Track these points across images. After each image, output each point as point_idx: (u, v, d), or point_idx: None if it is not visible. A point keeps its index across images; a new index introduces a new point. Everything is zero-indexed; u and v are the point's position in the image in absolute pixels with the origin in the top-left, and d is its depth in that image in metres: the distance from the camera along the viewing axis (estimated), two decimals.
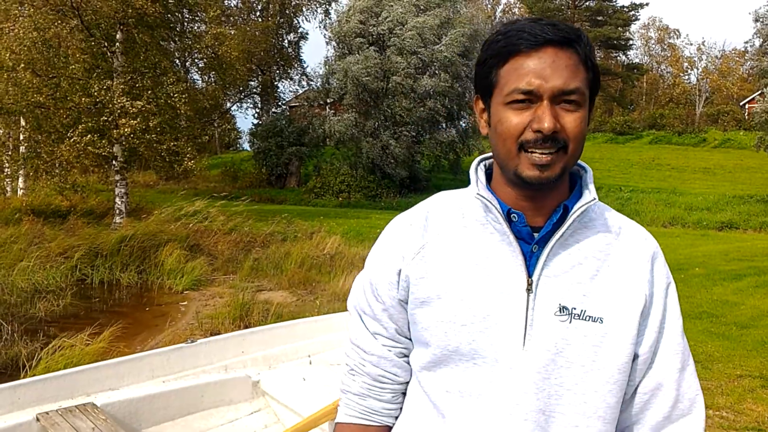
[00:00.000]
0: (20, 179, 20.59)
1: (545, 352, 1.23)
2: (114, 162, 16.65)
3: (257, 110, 36.71)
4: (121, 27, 16.33)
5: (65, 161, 15.85)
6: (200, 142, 21.15)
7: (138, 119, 15.44)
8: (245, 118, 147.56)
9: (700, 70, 62.08)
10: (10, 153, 18.59)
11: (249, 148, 37.80)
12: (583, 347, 1.23)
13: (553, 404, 1.24)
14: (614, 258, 1.29)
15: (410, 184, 28.05)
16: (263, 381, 3.73)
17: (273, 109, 36.29)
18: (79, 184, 17.04)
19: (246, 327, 7.49)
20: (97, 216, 16.72)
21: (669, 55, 66.35)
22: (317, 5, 34.91)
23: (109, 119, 15.65)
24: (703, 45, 75.57)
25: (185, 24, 19.37)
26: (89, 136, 15.30)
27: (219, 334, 5.47)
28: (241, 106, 37.03)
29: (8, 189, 21.15)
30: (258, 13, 35.42)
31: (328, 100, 29.85)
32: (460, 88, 28.18)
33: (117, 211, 16.59)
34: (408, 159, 27.07)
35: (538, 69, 1.19)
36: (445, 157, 29.39)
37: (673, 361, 1.31)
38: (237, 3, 35.27)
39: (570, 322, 1.23)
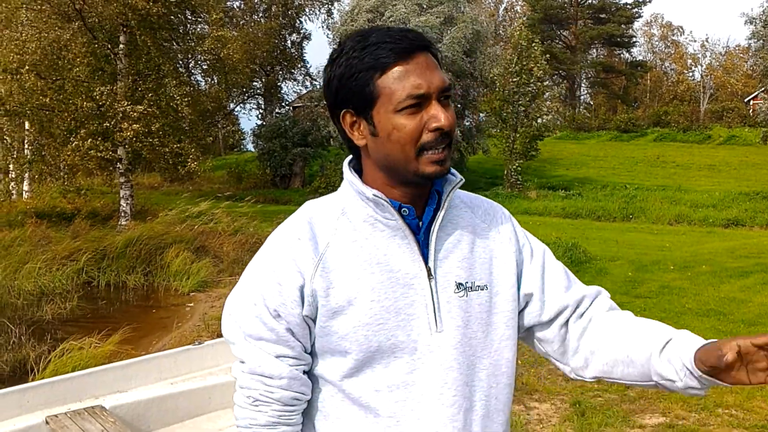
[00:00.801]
0: (25, 182, 20.66)
1: (456, 329, 1.33)
2: (119, 164, 16.69)
3: (261, 111, 36.76)
4: (125, 29, 16.36)
5: (69, 164, 15.89)
6: (204, 144, 21.19)
7: (140, 123, 15.47)
8: (249, 120, 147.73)
9: (704, 66, 62.00)
10: (15, 156, 18.66)
11: (253, 149, 37.84)
12: (480, 315, 1.37)
13: (473, 374, 1.35)
14: (478, 229, 1.43)
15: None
16: None
17: (276, 110, 36.32)
18: (83, 187, 17.07)
19: None
20: (102, 218, 16.78)
21: (673, 52, 66.22)
22: (320, 5, 34.93)
23: (112, 123, 15.69)
24: (707, 42, 75.56)
25: (188, 25, 19.40)
26: (90, 140, 15.34)
27: None
28: (244, 107, 37.09)
29: (14, 192, 21.21)
30: (261, 14, 35.44)
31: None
32: (462, 88, 28.15)
33: (122, 213, 16.64)
34: None
35: (419, 72, 1.27)
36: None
37: (559, 268, 1.49)
38: (240, 4, 35.32)
39: (466, 295, 1.35)
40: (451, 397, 1.32)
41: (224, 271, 12.04)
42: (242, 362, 1.38)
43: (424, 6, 26.93)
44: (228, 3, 32.83)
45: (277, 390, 1.34)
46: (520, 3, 66.14)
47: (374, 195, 1.31)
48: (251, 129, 41.85)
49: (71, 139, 15.49)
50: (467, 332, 1.34)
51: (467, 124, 30.86)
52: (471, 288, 1.36)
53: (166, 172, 18.60)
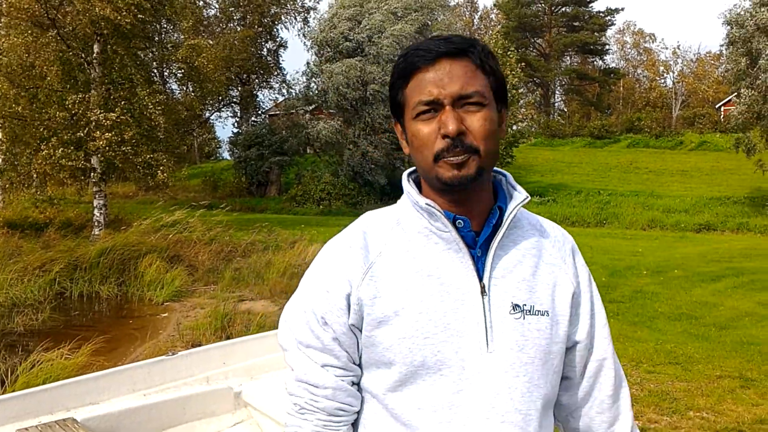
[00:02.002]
0: None
1: (509, 351, 1.27)
2: (92, 174, 16.52)
3: (237, 119, 36.60)
4: (98, 38, 16.23)
5: (41, 173, 15.70)
6: (179, 153, 21.04)
7: (113, 132, 15.32)
8: (224, 128, 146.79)
9: (676, 73, 62.78)
10: None
11: (229, 158, 37.66)
12: (538, 341, 1.30)
13: (526, 401, 1.28)
14: (545, 253, 1.37)
15: (391, 191, 28.09)
16: (245, 392, 3.71)
17: (253, 118, 36.19)
18: (56, 197, 16.87)
19: (228, 338, 7.46)
20: (75, 228, 16.58)
21: (645, 59, 67.01)
22: (296, 14, 34.91)
23: (85, 132, 15.53)
24: (679, 49, 76.52)
25: (163, 34, 19.28)
26: (62, 149, 15.17)
27: (200, 345, 5.44)
28: (220, 116, 36.87)
29: None
30: (236, 22, 35.33)
31: (309, 108, 29.83)
32: None
33: (96, 223, 16.46)
34: (388, 165, 27.11)
35: (435, 79, 1.26)
36: None
37: (608, 342, 1.43)
38: (216, 12, 35.19)
39: (524, 318, 1.29)
40: (499, 423, 1.26)
41: (199, 281, 11.95)
42: (292, 369, 1.38)
43: (399, 14, 27.02)
44: (204, 12, 32.72)
45: (321, 399, 1.34)
46: (494, 11, 66.64)
47: (427, 204, 1.29)
48: (227, 137, 41.69)
49: (42, 147, 15.31)
50: (522, 357, 1.28)
51: None
52: (530, 311, 1.30)
53: (140, 182, 18.43)
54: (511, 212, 1.32)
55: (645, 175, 31.84)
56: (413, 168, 1.41)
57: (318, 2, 39.99)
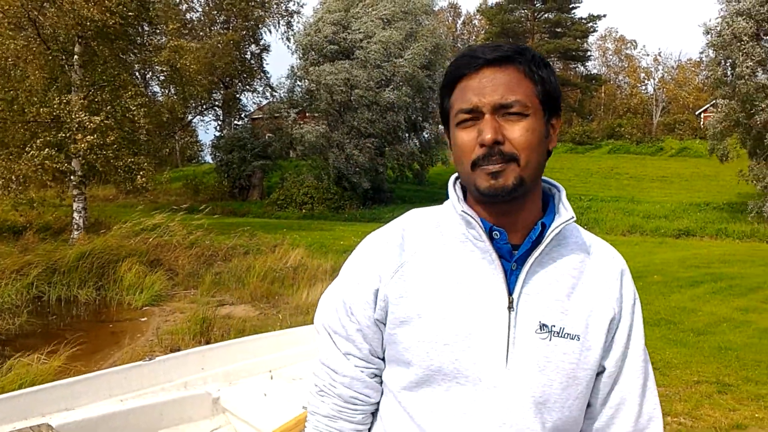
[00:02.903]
0: None
1: (528, 370, 1.25)
2: (72, 177, 16.38)
3: (219, 122, 36.47)
4: (80, 40, 16.12)
5: (22, 176, 15.54)
6: (160, 156, 20.91)
7: (95, 135, 15.21)
8: (207, 132, 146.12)
9: (657, 80, 63.40)
10: None
11: (211, 161, 37.51)
12: (563, 365, 1.26)
13: (538, 422, 1.26)
14: (587, 275, 1.32)
15: (374, 195, 28.10)
16: (223, 397, 3.69)
17: (235, 122, 36.08)
18: (36, 200, 16.71)
19: (207, 342, 7.41)
20: (54, 231, 16.43)
21: (626, 65, 67.61)
22: (279, 17, 34.86)
23: (67, 134, 15.41)
24: (660, 55, 77.36)
25: (145, 37, 19.17)
26: (47, 150, 15.04)
27: (179, 350, 5.40)
28: (203, 119, 36.69)
29: None
30: (220, 26, 35.22)
31: (293, 111, 29.79)
32: (421, 101, 28.39)
33: (75, 227, 16.31)
34: (371, 170, 27.14)
35: (477, 88, 1.25)
36: (409, 168, 29.54)
37: (638, 377, 1.36)
38: (199, 15, 35.05)
39: (550, 339, 1.26)
40: None
41: (179, 285, 11.87)
42: (318, 350, 1.43)
43: (387, 20, 27.08)
44: (187, 15, 32.59)
45: (339, 386, 1.39)
46: (477, 17, 66.96)
47: (462, 211, 1.28)
48: (209, 141, 41.52)
49: (26, 149, 15.16)
50: (541, 378, 1.25)
51: (426, 136, 31.05)
52: (559, 333, 1.26)
53: (121, 185, 18.31)
54: (553, 230, 1.28)
55: (626, 180, 32.11)
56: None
57: (302, 6, 40.02)
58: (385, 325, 1.34)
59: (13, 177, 15.63)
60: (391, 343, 1.33)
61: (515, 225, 1.30)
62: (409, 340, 1.28)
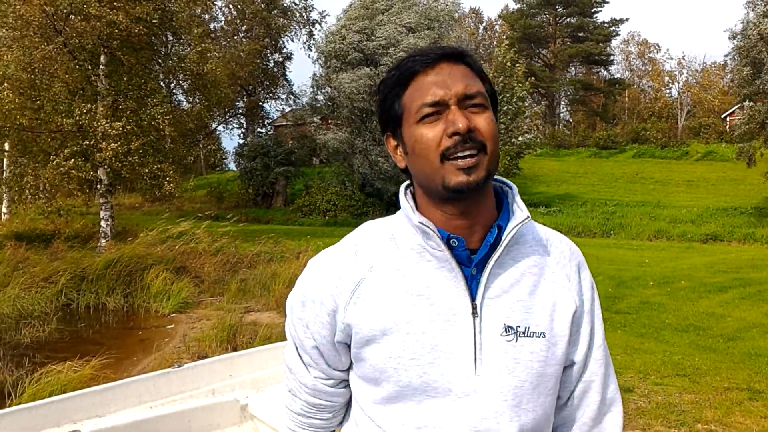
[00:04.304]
0: (4, 203, 20.46)
1: (498, 375, 1.24)
2: (99, 185, 16.59)
3: (243, 130, 36.75)
4: (105, 50, 16.34)
5: (50, 185, 15.78)
6: (185, 164, 21.11)
7: (119, 142, 15.40)
8: (231, 139, 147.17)
9: (681, 83, 62.79)
10: None
11: (235, 168, 37.78)
12: (531, 364, 1.25)
13: (514, 425, 1.25)
14: (548, 271, 1.32)
15: (397, 201, 28.05)
16: (251, 404, 3.70)
17: (259, 129, 36.33)
18: (64, 208, 16.94)
19: (234, 349, 7.45)
20: (82, 239, 16.64)
21: (650, 69, 67.06)
22: (301, 26, 35.11)
23: (92, 143, 15.61)
24: (684, 59, 76.50)
25: (169, 47, 19.40)
26: (73, 160, 15.26)
27: (207, 357, 5.44)
28: (227, 127, 37.00)
29: None
30: (242, 35, 35.53)
31: (316, 118, 29.93)
32: None
33: (102, 234, 16.52)
34: (396, 175, 27.19)
35: (438, 81, 1.23)
36: None
37: (600, 366, 1.38)
38: (222, 25, 35.41)
39: (516, 340, 1.25)
40: None
41: (205, 292, 11.96)
42: (285, 354, 1.46)
43: (412, 27, 27.15)
44: (210, 25, 32.92)
45: (304, 393, 1.43)
46: (499, 22, 66.84)
47: (420, 222, 1.24)
48: (233, 148, 41.80)
49: (52, 157, 15.39)
50: (512, 380, 1.24)
51: None
52: (524, 333, 1.25)
53: (147, 193, 18.52)
54: (509, 232, 1.26)
55: (651, 185, 31.81)
56: (407, 182, 1.37)
57: (324, 17, 40.28)
58: (349, 346, 1.32)
59: (40, 185, 15.88)
60: (359, 362, 1.31)
61: (472, 228, 1.27)
62: (376, 359, 1.26)
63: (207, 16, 32.91)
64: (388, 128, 1.32)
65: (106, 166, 16.07)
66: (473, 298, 1.24)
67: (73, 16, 16.05)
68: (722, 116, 49.28)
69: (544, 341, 1.27)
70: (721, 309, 9.92)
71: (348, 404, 1.44)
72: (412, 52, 1.29)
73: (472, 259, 1.26)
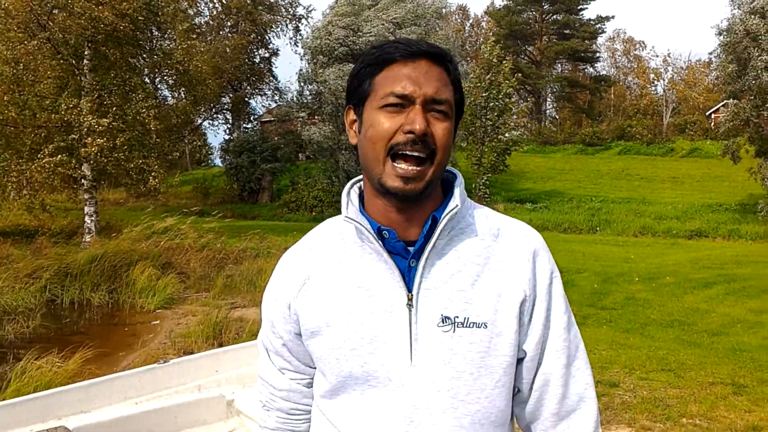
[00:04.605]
0: None
1: (433, 365, 1.24)
2: (83, 181, 16.46)
3: (229, 126, 36.59)
4: (89, 44, 16.20)
5: (35, 181, 15.64)
6: (170, 159, 20.99)
7: (105, 138, 15.29)
8: (216, 135, 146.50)
9: (667, 81, 63.12)
10: None
11: (221, 164, 37.63)
12: (470, 355, 1.24)
13: (448, 417, 1.24)
14: (494, 260, 1.29)
15: None
16: (237, 400, 3.69)
17: (245, 125, 36.18)
18: (48, 204, 16.81)
19: (220, 345, 7.42)
20: (66, 235, 16.52)
21: (635, 66, 67.38)
22: (287, 21, 34.97)
23: (77, 138, 15.49)
24: (669, 56, 76.97)
25: (154, 42, 19.27)
26: (60, 156, 15.14)
27: (192, 353, 5.41)
28: (212, 122, 36.82)
29: None
30: (228, 30, 35.36)
31: (302, 114, 29.85)
32: None
33: (87, 230, 16.40)
34: None
35: (413, 76, 1.23)
36: None
37: (559, 357, 1.33)
38: (207, 19, 35.19)
39: (454, 331, 1.24)
40: None
41: (191, 288, 11.91)
42: (258, 367, 1.47)
43: (398, 24, 27.12)
44: (195, 19, 32.72)
45: (278, 400, 1.44)
46: (485, 19, 66.90)
47: (347, 218, 1.28)
48: (219, 144, 41.65)
49: (39, 155, 15.25)
50: (448, 371, 1.23)
51: None
52: (463, 324, 1.24)
53: (132, 188, 18.40)
54: (441, 221, 1.25)
55: (636, 181, 31.98)
56: (359, 177, 1.38)
57: (310, 12, 40.20)
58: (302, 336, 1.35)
59: (23, 181, 15.74)
60: (311, 354, 1.35)
61: (410, 221, 1.28)
62: (321, 350, 1.29)
63: (192, 11, 32.77)
64: (351, 101, 1.32)
65: (91, 162, 15.95)
66: (410, 290, 1.25)
67: (57, 11, 15.91)
68: (707, 113, 49.62)
69: (486, 331, 1.25)
70: (706, 305, 9.99)
71: None
72: (400, 38, 1.29)
73: (409, 250, 1.27)
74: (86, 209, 16.67)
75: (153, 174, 16.64)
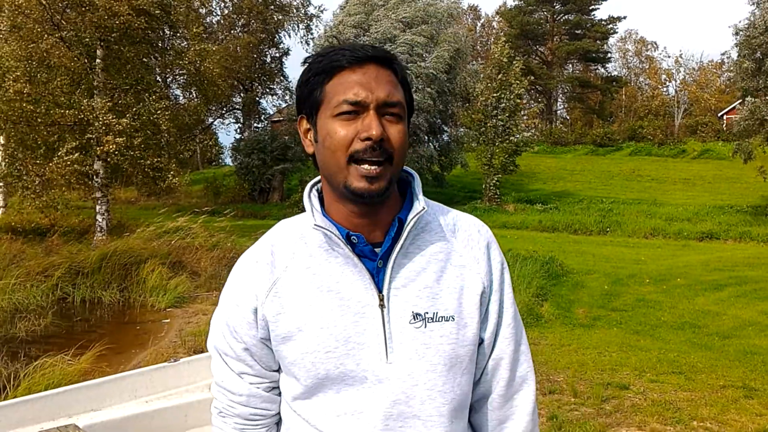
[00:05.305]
0: (0, 197, 20.39)
1: (408, 361, 1.29)
2: (96, 179, 16.54)
3: (239, 125, 36.67)
4: (102, 44, 16.28)
5: (48, 178, 15.71)
6: (182, 158, 21.07)
7: (124, 137, 15.37)
8: (227, 134, 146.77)
9: (678, 81, 62.84)
10: None
11: (231, 164, 37.71)
12: (442, 347, 1.30)
13: (427, 408, 1.30)
14: (454, 255, 1.36)
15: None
16: None
17: (255, 124, 36.24)
18: (62, 202, 16.88)
19: None
20: (78, 233, 16.58)
21: (647, 67, 67.14)
22: (299, 21, 35.00)
23: (93, 136, 15.56)
24: (681, 57, 76.55)
25: (166, 41, 19.34)
26: (77, 154, 15.23)
27: (203, 351, 5.42)
28: (223, 122, 36.90)
29: None
30: (239, 29, 35.43)
31: None
32: (442, 104, 28.36)
33: (98, 229, 16.46)
34: None
35: (363, 81, 1.26)
36: (429, 170, 29.55)
37: (509, 343, 1.42)
38: (218, 19, 35.28)
39: (425, 326, 1.30)
40: (398, 428, 1.29)
41: (201, 287, 11.94)
42: (213, 373, 1.45)
43: (408, 23, 27.11)
44: (207, 19, 32.80)
45: (237, 405, 1.42)
46: (497, 19, 66.80)
47: (316, 225, 1.30)
48: (230, 143, 41.75)
49: (58, 154, 15.31)
50: (423, 365, 1.29)
51: (446, 138, 31.04)
52: (432, 319, 1.30)
53: (144, 187, 18.46)
54: (408, 224, 1.31)
55: (647, 183, 31.86)
56: (317, 179, 1.40)
57: (322, 11, 40.17)
58: (270, 341, 1.35)
59: (36, 179, 15.82)
60: (280, 359, 1.35)
61: (375, 224, 1.32)
62: (294, 355, 1.30)
63: (204, 10, 32.85)
64: (303, 110, 1.34)
65: (107, 159, 15.99)
66: (380, 290, 1.30)
67: (69, 10, 15.98)
68: (719, 114, 49.39)
69: (453, 324, 1.31)
70: (717, 307, 9.94)
71: (279, 422, 1.46)
72: (338, 46, 1.31)
73: (377, 252, 1.31)
74: (98, 208, 16.73)
75: (172, 173, 16.71)
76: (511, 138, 27.32)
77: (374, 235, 1.32)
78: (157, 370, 3.80)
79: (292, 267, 1.33)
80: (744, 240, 20.04)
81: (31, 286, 10.79)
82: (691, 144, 40.89)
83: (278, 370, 1.41)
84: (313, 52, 1.39)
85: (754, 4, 22.65)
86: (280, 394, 1.43)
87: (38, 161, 15.83)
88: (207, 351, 4.87)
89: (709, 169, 33.83)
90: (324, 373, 1.28)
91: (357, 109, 1.24)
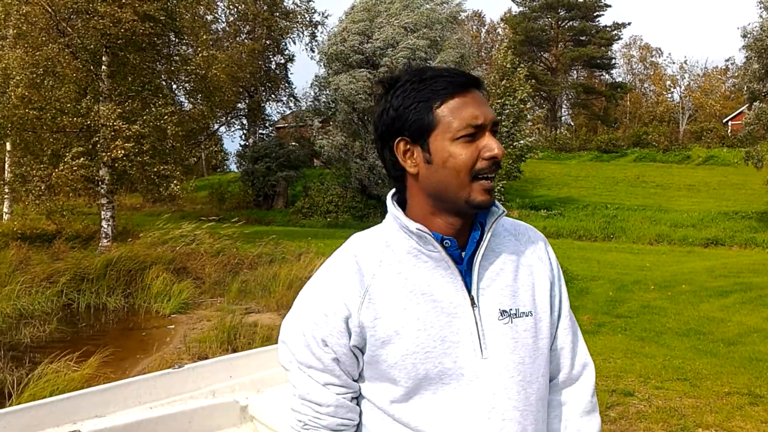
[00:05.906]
0: (5, 203, 20.47)
1: (501, 356, 1.39)
2: (101, 185, 16.58)
3: (244, 132, 36.74)
4: (107, 50, 16.34)
5: (56, 185, 15.75)
6: (187, 165, 21.10)
7: (132, 142, 15.41)
8: (232, 141, 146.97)
9: (683, 88, 62.74)
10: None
11: (236, 170, 37.75)
12: (526, 341, 1.42)
13: (522, 398, 1.40)
14: (523, 255, 1.49)
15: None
16: (251, 405, 3.70)
17: (260, 131, 36.31)
18: (67, 208, 16.93)
19: (234, 350, 7.45)
20: (83, 239, 16.62)
21: (652, 73, 67.07)
22: (303, 28, 35.11)
23: (100, 141, 15.60)
24: (686, 63, 76.51)
25: (171, 48, 19.39)
26: (82, 159, 15.27)
27: (207, 358, 5.44)
28: (228, 128, 36.96)
29: None
30: (244, 36, 35.54)
31: (317, 121, 29.90)
32: None
33: (103, 235, 16.50)
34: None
35: (476, 105, 1.37)
36: None
37: (567, 333, 1.56)
38: (224, 26, 35.40)
39: (511, 322, 1.41)
40: (500, 421, 1.38)
41: (206, 293, 11.95)
42: (294, 388, 1.48)
43: (411, 28, 27.12)
44: (213, 26, 32.91)
45: (324, 417, 1.45)
46: (501, 25, 66.86)
47: (418, 229, 1.37)
48: (235, 150, 41.79)
49: (66, 160, 15.35)
50: (514, 358, 1.40)
51: None
52: (516, 315, 1.42)
53: (149, 193, 18.48)
54: (490, 227, 1.42)
55: (652, 189, 31.79)
56: (392, 191, 1.50)
57: (326, 17, 40.35)
58: (362, 350, 1.41)
59: (42, 186, 15.86)
60: (374, 363, 1.40)
61: (464, 230, 1.42)
62: (394, 357, 1.37)
63: (210, 17, 32.97)
64: (405, 134, 1.39)
65: (114, 165, 16.02)
66: (469, 291, 1.39)
67: (75, 17, 16.05)
68: (724, 121, 49.27)
69: (532, 319, 1.44)
70: (722, 313, 9.90)
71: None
72: (438, 70, 1.40)
73: (462, 256, 1.41)
74: (103, 214, 16.76)
75: (176, 180, 16.73)
76: (515, 144, 27.29)
77: (462, 240, 1.42)
78: (161, 377, 3.81)
79: (380, 274, 1.40)
80: (749, 246, 19.97)
81: (36, 292, 10.82)
82: (695, 150, 40.80)
83: (358, 380, 1.46)
84: (386, 75, 1.47)
85: (762, 8, 22.57)
86: (359, 404, 1.48)
87: (43, 166, 15.86)
88: (211, 357, 4.88)
89: (714, 176, 33.74)
90: (424, 372, 1.35)
91: (476, 131, 1.35)
